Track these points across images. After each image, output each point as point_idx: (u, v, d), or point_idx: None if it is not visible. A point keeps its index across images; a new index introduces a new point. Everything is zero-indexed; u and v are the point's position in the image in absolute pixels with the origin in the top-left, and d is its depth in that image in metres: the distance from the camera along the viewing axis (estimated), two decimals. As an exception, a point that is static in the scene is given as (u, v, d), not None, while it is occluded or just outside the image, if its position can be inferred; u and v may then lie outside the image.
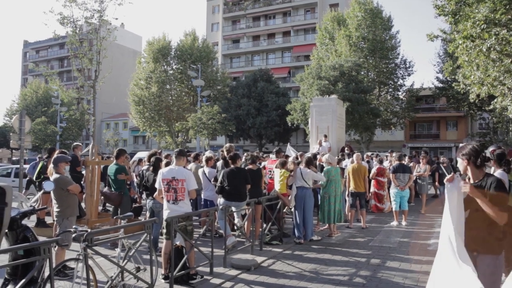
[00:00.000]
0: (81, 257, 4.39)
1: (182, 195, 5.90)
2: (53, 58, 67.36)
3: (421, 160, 14.05)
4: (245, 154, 9.30)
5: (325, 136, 15.32)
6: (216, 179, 7.90)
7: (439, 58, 33.93)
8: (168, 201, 5.99)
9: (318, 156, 11.61)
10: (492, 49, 11.90)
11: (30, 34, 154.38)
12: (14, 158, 31.83)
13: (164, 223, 5.89)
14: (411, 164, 13.43)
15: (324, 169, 9.54)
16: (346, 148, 15.94)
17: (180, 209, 5.88)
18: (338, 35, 33.17)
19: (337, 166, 9.68)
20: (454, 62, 17.88)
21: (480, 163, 3.59)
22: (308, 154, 11.53)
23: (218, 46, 53.93)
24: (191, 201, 8.83)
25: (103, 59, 12.19)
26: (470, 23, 11.70)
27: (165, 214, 5.95)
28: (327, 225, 9.52)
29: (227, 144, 9.49)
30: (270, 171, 9.39)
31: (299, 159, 9.61)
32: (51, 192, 6.26)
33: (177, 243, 5.91)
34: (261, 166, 9.77)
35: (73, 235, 4.38)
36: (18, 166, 13.55)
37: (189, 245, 5.99)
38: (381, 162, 13.41)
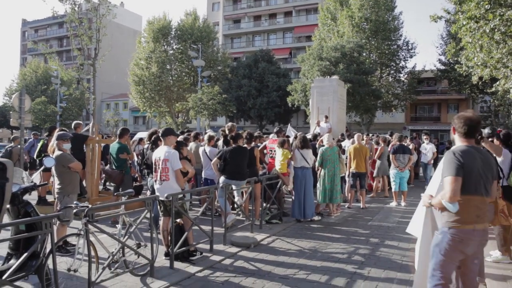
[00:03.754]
0: (82, 233, 4.43)
1: (165, 175, 5.85)
2: (52, 37, 66.66)
3: (378, 139, 12.86)
4: (241, 131, 9.29)
5: (326, 117, 15.25)
6: (219, 158, 7.91)
7: (442, 40, 33.61)
8: (155, 180, 6.04)
9: (318, 137, 11.61)
10: (496, 30, 11.75)
11: (29, 12, 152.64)
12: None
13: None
14: (411, 146, 13.39)
15: (320, 149, 9.56)
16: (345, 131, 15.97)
17: (163, 189, 5.82)
18: (340, 15, 32.77)
19: (334, 145, 9.64)
20: (457, 44, 17.71)
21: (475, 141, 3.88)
22: (308, 135, 11.54)
23: (219, 26, 53.37)
24: (191, 181, 8.89)
25: (103, 37, 12.11)
26: (474, 3, 11.54)
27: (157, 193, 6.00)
28: (326, 204, 9.57)
29: (229, 123, 9.48)
30: (271, 151, 9.40)
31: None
32: (53, 169, 6.28)
33: (178, 220, 5.96)
34: (261, 146, 9.78)
35: (74, 211, 4.40)
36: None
37: (189, 223, 6.04)
38: (377, 143, 13.34)
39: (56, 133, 6.68)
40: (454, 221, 3.22)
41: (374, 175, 12.42)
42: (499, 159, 5.51)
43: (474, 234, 3.21)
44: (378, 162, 12.10)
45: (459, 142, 3.39)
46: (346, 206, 10.53)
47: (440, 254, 3.27)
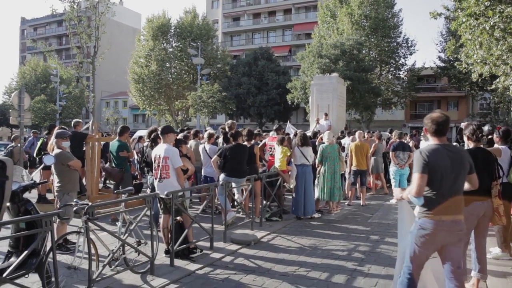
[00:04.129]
0: (82, 231, 4.43)
1: (166, 173, 5.85)
2: (51, 35, 66.55)
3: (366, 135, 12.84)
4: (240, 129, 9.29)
5: (326, 115, 15.25)
6: (219, 155, 7.91)
7: (441, 37, 33.56)
8: (155, 178, 6.04)
9: (318, 135, 11.60)
10: (496, 27, 11.73)
11: (28, 11, 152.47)
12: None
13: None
14: (410, 143, 13.36)
15: (320, 146, 9.56)
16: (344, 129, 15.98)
17: (164, 186, 5.83)
18: (340, 13, 32.71)
19: (334, 143, 9.64)
20: (457, 41, 17.70)
21: (476, 139, 4.64)
22: (308, 133, 11.53)
23: (218, 24, 53.27)
24: (191, 178, 8.90)
25: (102, 35, 12.12)
26: (474, 0, 11.52)
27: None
28: (326, 202, 9.57)
29: (229, 121, 9.49)
30: (271, 148, 9.39)
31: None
32: (52, 167, 6.27)
33: (178, 218, 5.96)
34: (261, 144, 9.78)
35: (74, 208, 4.40)
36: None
37: (189, 220, 6.04)
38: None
39: (55, 131, 6.68)
40: (423, 212, 3.55)
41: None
42: (499, 158, 5.51)
43: (440, 225, 3.47)
44: (371, 159, 12.10)
45: (431, 141, 3.68)
46: (346, 203, 10.54)
47: (413, 241, 3.59)
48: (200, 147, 9.32)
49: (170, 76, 38.23)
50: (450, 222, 3.48)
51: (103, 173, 10.36)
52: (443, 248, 3.57)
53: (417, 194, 3.45)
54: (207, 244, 6.47)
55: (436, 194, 3.49)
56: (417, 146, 15.03)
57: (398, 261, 4.02)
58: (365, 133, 13.73)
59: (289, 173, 8.83)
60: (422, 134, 15.25)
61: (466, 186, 3.74)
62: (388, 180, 12.24)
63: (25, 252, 3.83)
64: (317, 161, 9.31)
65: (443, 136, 3.63)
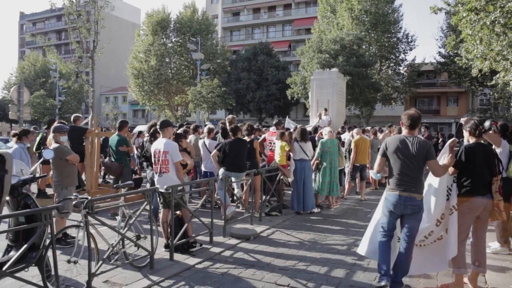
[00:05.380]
0: (82, 225, 4.43)
1: (165, 168, 5.85)
2: (51, 30, 66.27)
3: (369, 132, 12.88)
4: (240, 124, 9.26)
5: (325, 110, 15.24)
6: (218, 150, 7.91)
7: (442, 33, 33.45)
8: (155, 172, 6.04)
9: (318, 130, 11.59)
10: (496, 22, 11.69)
11: (27, 5, 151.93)
12: (13, 132, 31.66)
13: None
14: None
15: (320, 140, 9.54)
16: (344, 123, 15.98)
17: (163, 181, 5.83)
18: (340, 8, 32.58)
19: (334, 138, 9.63)
20: (457, 36, 17.66)
21: (478, 134, 4.74)
22: (309, 128, 11.52)
23: (218, 19, 53.12)
24: (190, 173, 8.90)
25: (101, 29, 12.08)
26: (475, -5, 11.48)
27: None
28: (325, 197, 9.57)
29: (230, 116, 9.48)
30: (271, 143, 9.38)
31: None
32: (51, 162, 6.27)
33: (177, 212, 5.96)
34: (261, 138, 9.77)
35: (74, 202, 4.40)
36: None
37: (188, 215, 6.04)
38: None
39: (53, 126, 6.67)
40: (387, 187, 4.55)
41: None
42: (498, 150, 5.51)
43: (398, 198, 4.35)
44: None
45: (403, 132, 4.55)
46: (343, 196, 10.57)
47: (382, 211, 4.60)
48: (200, 142, 9.31)
49: (169, 71, 38.13)
50: (406, 198, 4.32)
51: (103, 167, 10.36)
52: (402, 218, 4.44)
53: (377, 171, 4.74)
54: (207, 239, 6.48)
55: (394, 173, 4.43)
56: None
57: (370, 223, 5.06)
58: (387, 128, 13.37)
59: (289, 167, 8.83)
60: (423, 129, 15.31)
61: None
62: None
63: (25, 246, 3.83)
64: (316, 155, 9.27)
65: (413, 130, 4.49)
